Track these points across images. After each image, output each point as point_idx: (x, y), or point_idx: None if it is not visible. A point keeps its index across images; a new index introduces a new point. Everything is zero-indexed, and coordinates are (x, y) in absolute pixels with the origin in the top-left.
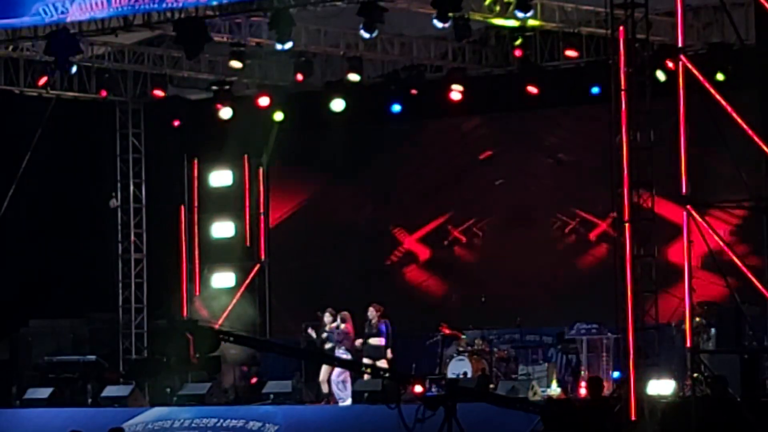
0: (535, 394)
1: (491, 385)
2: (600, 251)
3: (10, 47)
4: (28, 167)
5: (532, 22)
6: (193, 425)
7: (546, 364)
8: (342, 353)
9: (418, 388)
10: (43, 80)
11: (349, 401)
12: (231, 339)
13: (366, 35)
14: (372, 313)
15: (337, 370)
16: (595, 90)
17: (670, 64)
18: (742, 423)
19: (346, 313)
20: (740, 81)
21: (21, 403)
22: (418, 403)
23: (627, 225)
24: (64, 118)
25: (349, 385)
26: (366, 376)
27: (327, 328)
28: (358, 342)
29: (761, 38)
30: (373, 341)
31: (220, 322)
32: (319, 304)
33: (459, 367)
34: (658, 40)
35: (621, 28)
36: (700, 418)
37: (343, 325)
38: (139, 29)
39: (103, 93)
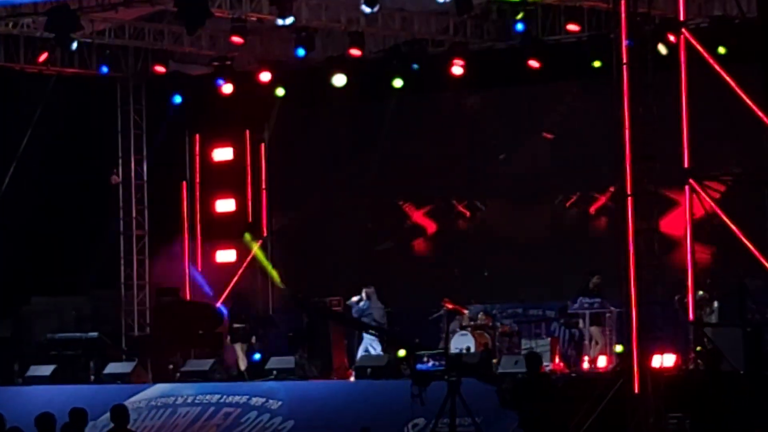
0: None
1: (494, 360)
2: (601, 225)
3: (11, 24)
4: (28, 144)
5: None
6: (196, 401)
7: (549, 339)
8: None
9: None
10: (43, 57)
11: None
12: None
13: (367, 10)
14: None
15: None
16: (596, 64)
17: (672, 38)
18: (745, 396)
19: None
20: (742, 54)
21: (23, 381)
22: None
23: (629, 198)
24: (65, 95)
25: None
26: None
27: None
28: None
29: (763, 11)
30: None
31: (222, 298)
32: (322, 279)
33: (462, 342)
34: (659, 14)
35: (622, 1)
36: (703, 391)
37: None
38: (140, 5)
39: (104, 69)
